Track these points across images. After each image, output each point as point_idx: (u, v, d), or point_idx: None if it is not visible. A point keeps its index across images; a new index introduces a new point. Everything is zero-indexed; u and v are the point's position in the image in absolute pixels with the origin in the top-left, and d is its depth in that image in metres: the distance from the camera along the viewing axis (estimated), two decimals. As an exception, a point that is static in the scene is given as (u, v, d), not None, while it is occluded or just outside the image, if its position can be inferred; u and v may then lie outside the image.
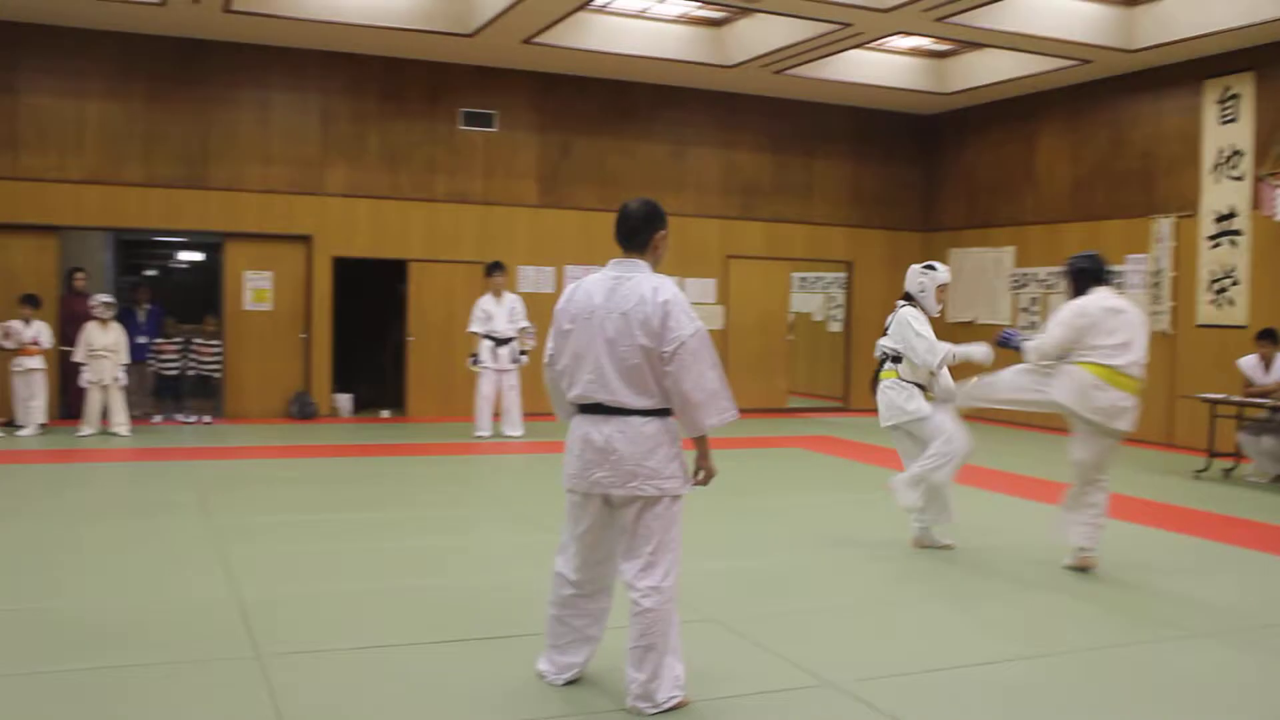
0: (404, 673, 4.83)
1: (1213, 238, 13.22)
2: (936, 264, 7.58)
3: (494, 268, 13.03)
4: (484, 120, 15.02)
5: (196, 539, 7.31)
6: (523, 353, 12.90)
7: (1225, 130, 13.07)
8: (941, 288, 7.48)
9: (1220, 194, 13.14)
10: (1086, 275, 7.04)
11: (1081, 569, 6.92)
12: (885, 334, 7.57)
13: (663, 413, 4.38)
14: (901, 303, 7.52)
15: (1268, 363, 11.03)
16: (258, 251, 14.19)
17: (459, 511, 8.76)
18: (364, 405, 14.96)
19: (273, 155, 14.09)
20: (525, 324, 12.96)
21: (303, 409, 14.09)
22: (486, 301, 12.91)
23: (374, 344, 15.82)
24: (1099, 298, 6.92)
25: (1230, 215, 13.02)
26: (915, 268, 7.59)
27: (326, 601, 5.92)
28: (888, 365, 7.54)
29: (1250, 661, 5.34)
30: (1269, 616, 6.13)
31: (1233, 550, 7.84)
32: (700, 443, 4.45)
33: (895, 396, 7.41)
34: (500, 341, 12.83)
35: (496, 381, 12.87)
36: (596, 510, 4.45)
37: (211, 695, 4.52)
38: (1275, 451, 10.96)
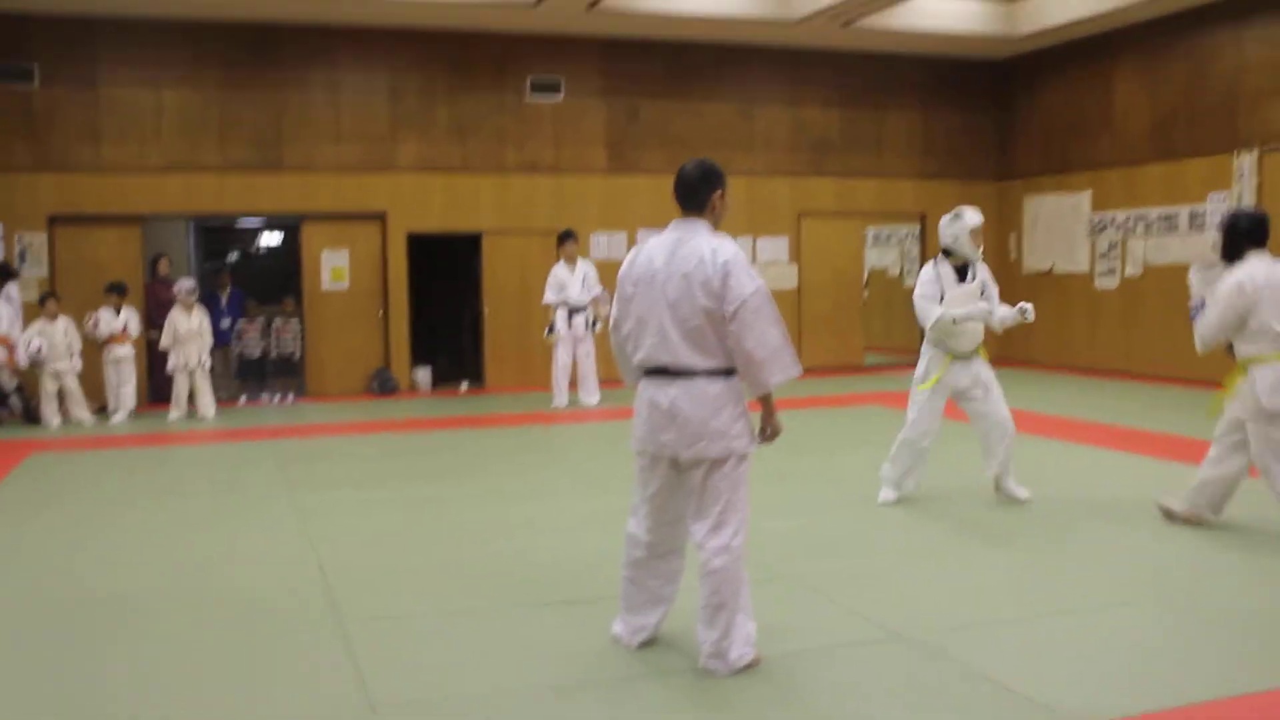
0: (481, 636, 4.92)
1: (1299, 172, 12.86)
2: (964, 209, 7.34)
3: (565, 236, 13.09)
4: (551, 88, 15.06)
5: (281, 514, 7.49)
6: (597, 320, 12.97)
7: (1309, 60, 12.68)
8: (974, 232, 7.23)
9: (1305, 126, 12.76)
10: (1240, 237, 6.30)
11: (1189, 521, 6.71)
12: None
13: (727, 373, 4.40)
14: (937, 258, 7.40)
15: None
16: (333, 231, 14.41)
17: (536, 480, 8.85)
18: (443, 379, 15.14)
19: (344, 134, 14.28)
20: (599, 291, 13.01)
21: (383, 385, 14.30)
22: (560, 270, 12.98)
23: (451, 318, 15.99)
24: (1259, 267, 6.18)
25: (1316, 148, 12.65)
26: (944, 219, 7.38)
27: (406, 570, 6.05)
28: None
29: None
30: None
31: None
32: (765, 401, 4.46)
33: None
34: (575, 310, 12.91)
35: (572, 350, 12.96)
36: (665, 472, 4.49)
37: (296, 660, 4.67)
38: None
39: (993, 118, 17.32)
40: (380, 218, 14.49)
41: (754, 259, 15.38)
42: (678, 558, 4.68)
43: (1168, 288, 14.41)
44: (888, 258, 19.45)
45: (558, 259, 13.19)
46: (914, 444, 7.34)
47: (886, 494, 7.46)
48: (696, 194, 4.50)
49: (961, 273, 7.31)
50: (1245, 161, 13.36)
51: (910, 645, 4.69)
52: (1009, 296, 17.19)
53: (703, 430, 4.35)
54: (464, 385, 14.97)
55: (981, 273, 7.39)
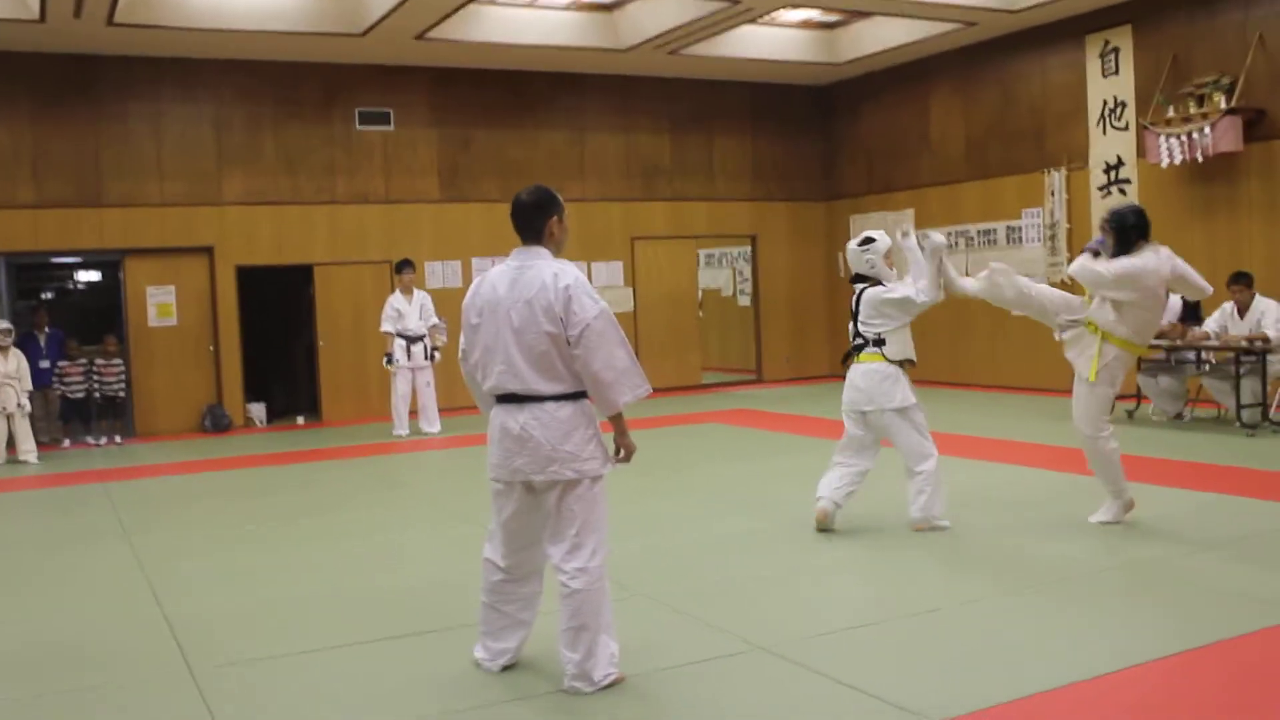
0: (340, 673, 4.84)
1: (1103, 187, 13.58)
2: (872, 234, 7.19)
3: (403, 265, 12.98)
4: (381, 119, 14.92)
5: (119, 561, 7.21)
6: (435, 349, 12.89)
7: (1108, 83, 13.42)
8: (887, 255, 7.08)
9: (1108, 145, 13.50)
10: (1130, 230, 6.70)
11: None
12: (855, 320, 7.24)
13: (576, 396, 4.44)
14: (860, 286, 7.18)
15: (1162, 306, 11.34)
16: (159, 266, 13.97)
17: (384, 512, 8.73)
18: (279, 413, 14.81)
19: (167, 168, 13.87)
20: (436, 320, 12.94)
21: (216, 422, 13.91)
22: (397, 300, 12.86)
23: (285, 351, 15.66)
24: (1152, 259, 6.62)
25: (1118, 165, 13.38)
26: (852, 248, 7.16)
27: (256, 611, 5.90)
28: (869, 349, 7.15)
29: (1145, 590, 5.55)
30: (1163, 549, 6.36)
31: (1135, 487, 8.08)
32: (617, 421, 4.50)
33: (877, 383, 7.03)
34: (413, 339, 12.80)
35: (411, 379, 12.85)
36: (519, 497, 4.50)
37: (147, 714, 4.50)
38: (1173, 391, 11.33)
39: (819, 140, 17.83)
40: (208, 251, 14.11)
41: (590, 283, 15.44)
42: (535, 581, 4.69)
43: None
44: (720, 278, 19.81)
45: (394, 288, 13.06)
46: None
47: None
48: (533, 221, 4.54)
49: None
50: (1055, 179, 14.06)
51: (772, 657, 4.78)
52: (840, 313, 17.69)
53: (555, 454, 4.38)
54: (300, 419, 14.66)
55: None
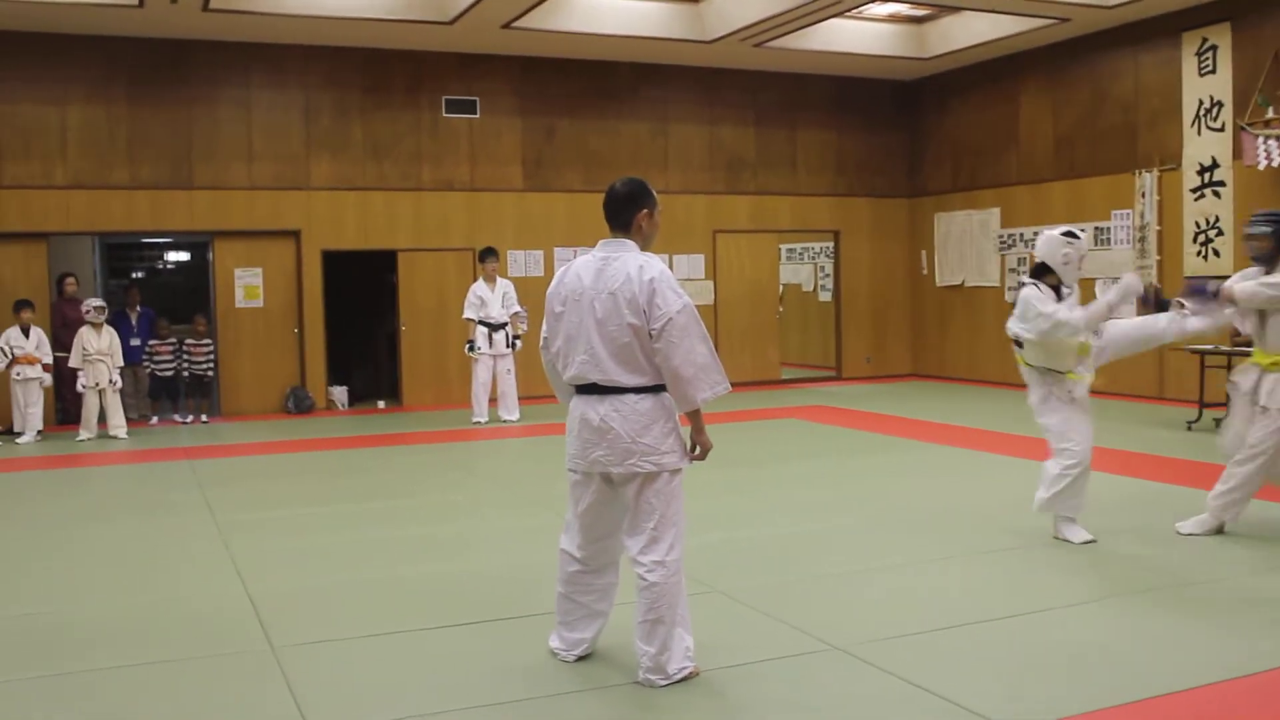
0: (416, 657, 4.90)
1: (1196, 190, 13.29)
2: (1076, 230, 6.75)
3: (487, 254, 13.08)
4: (467, 107, 15.03)
5: (202, 536, 7.37)
6: (516, 337, 12.98)
7: (1205, 81, 13.12)
8: (1083, 259, 6.67)
9: (1202, 145, 13.20)
10: None
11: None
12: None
13: (657, 389, 4.45)
14: (1027, 280, 6.78)
15: (1254, 312, 11.08)
16: (247, 249, 14.22)
17: (462, 497, 8.83)
18: (360, 397, 15.01)
19: (256, 152, 14.11)
20: (518, 309, 13.04)
21: (299, 403, 14.14)
22: (480, 287, 12.97)
23: (367, 335, 15.86)
24: None
25: (1213, 166, 13.08)
26: (1055, 235, 6.68)
27: (336, 592, 6.00)
28: (1017, 350, 6.92)
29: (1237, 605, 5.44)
30: (1250, 564, 6.23)
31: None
32: (694, 417, 4.49)
33: (1030, 383, 6.89)
34: (495, 327, 12.90)
35: (492, 367, 12.95)
36: (597, 488, 4.53)
37: (229, 689, 4.60)
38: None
39: (904, 136, 17.65)
40: (295, 235, 14.33)
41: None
42: (612, 573, 4.72)
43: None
44: (802, 274, 19.70)
45: (478, 276, 13.17)
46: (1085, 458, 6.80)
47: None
48: (623, 213, 4.55)
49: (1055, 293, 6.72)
50: (1146, 180, 13.78)
51: (846, 657, 4.76)
52: (922, 311, 17.52)
53: (634, 446, 4.39)
54: (381, 403, 14.85)
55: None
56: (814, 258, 19.25)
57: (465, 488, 9.32)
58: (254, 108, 14.10)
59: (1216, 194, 13.05)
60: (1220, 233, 13.00)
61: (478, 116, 15.09)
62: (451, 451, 11.23)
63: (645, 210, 4.56)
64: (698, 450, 4.54)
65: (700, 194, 16.27)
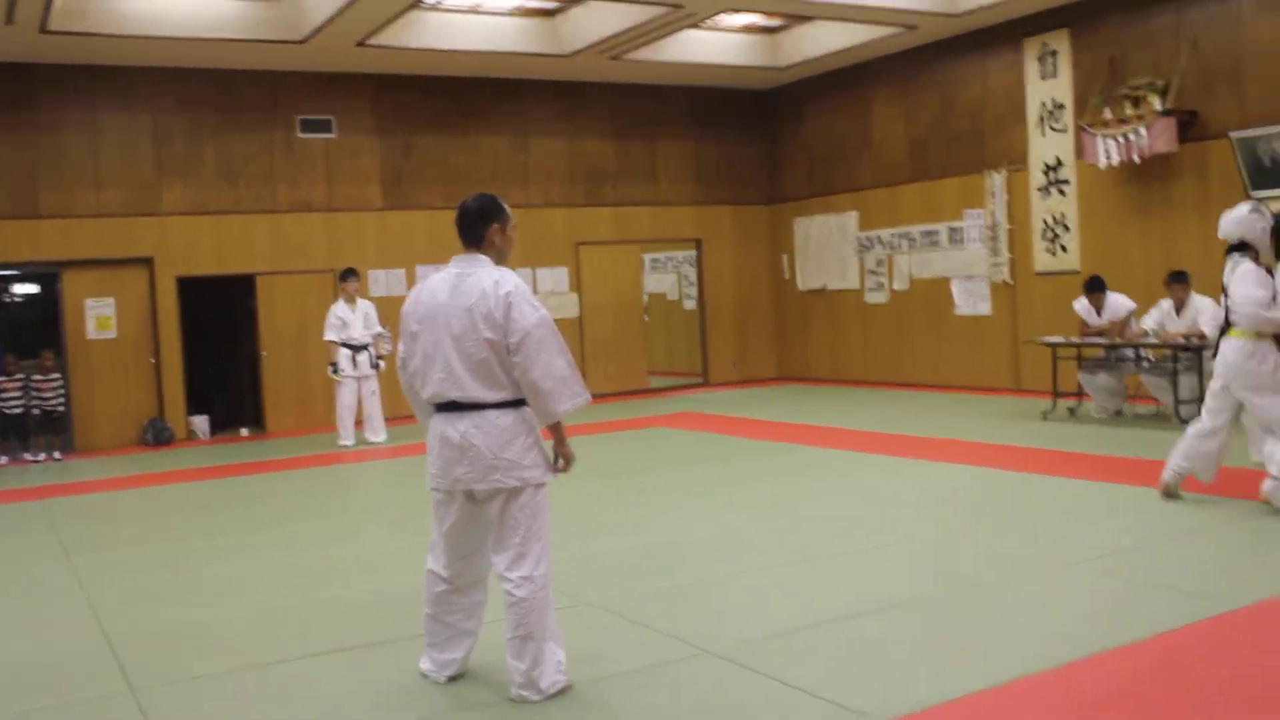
0: (286, 689, 4.78)
1: (1042, 188, 13.75)
2: (1259, 204, 6.93)
3: (347, 274, 12.88)
4: (322, 126, 14.80)
5: (57, 580, 7.08)
6: (380, 358, 12.81)
7: (1046, 85, 13.59)
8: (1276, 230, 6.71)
9: (1046, 146, 13.66)
10: None
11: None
12: (1225, 293, 7.02)
13: (517, 404, 4.42)
14: (1237, 255, 6.90)
15: (1098, 306, 11.52)
16: (97, 278, 13.76)
17: (328, 523, 8.66)
18: (222, 425, 14.65)
19: (105, 178, 13.67)
20: (380, 329, 12.87)
21: (158, 435, 13.73)
22: (340, 308, 12.76)
23: (228, 362, 15.49)
24: None
25: (1057, 166, 13.55)
26: (1245, 210, 6.86)
27: (199, 628, 5.81)
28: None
29: (1101, 585, 5.62)
30: (1116, 544, 6.44)
31: (1081, 484, 8.19)
32: (556, 429, 4.49)
33: (1242, 360, 6.87)
34: (357, 348, 12.71)
35: (357, 389, 12.75)
36: (461, 506, 4.48)
37: (86, 733, 4.43)
38: (1113, 388, 11.49)
39: (762, 144, 17.91)
40: (148, 262, 13.93)
41: (535, 289, 15.44)
42: (479, 591, 4.67)
43: (933, 299, 15.21)
44: (666, 283, 19.84)
45: (338, 297, 12.96)
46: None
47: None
48: (475, 228, 4.53)
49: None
50: (996, 180, 14.21)
51: (720, 661, 4.79)
52: (785, 316, 17.80)
53: (496, 462, 4.36)
54: (244, 430, 14.51)
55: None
56: (677, 266, 19.41)
57: (331, 514, 9.15)
58: (101, 132, 13.66)
59: (1062, 192, 13.51)
60: (1067, 229, 13.46)
61: (334, 136, 14.86)
62: (318, 477, 11.01)
63: (497, 225, 4.53)
64: (560, 463, 4.52)
65: (561, 207, 16.27)
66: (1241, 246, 6.90)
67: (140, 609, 6.25)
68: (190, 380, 14.28)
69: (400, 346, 4.61)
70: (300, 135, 14.68)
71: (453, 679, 4.65)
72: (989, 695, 4.23)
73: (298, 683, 4.85)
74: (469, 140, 15.69)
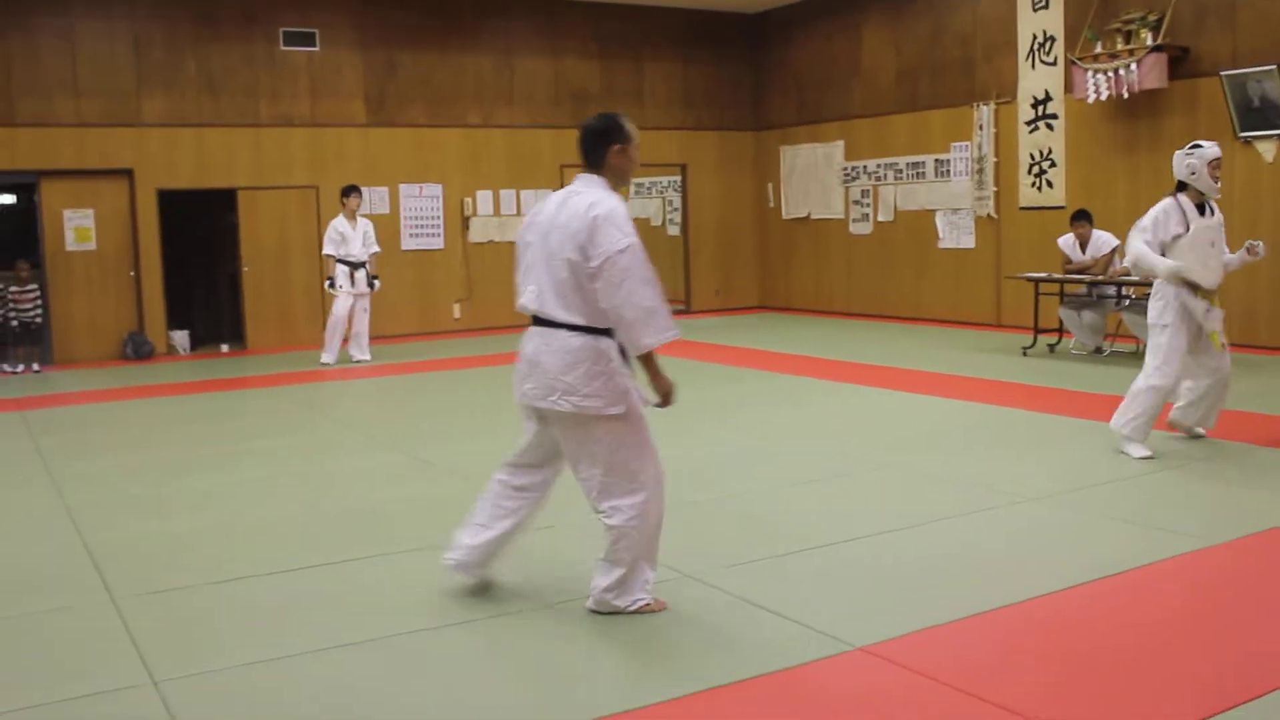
0: (266, 600, 4.81)
1: (1030, 122, 13.69)
2: (1202, 141, 7.11)
3: (350, 190, 12.71)
4: (306, 40, 14.58)
5: (34, 487, 7.09)
6: (374, 277, 12.75)
7: (1038, 17, 13.47)
8: (1213, 164, 6.93)
9: (1036, 79, 13.58)
10: None
11: None
12: None
13: (593, 330, 4.31)
14: (1175, 194, 7.09)
15: (1083, 242, 11.54)
16: (76, 189, 13.60)
17: (309, 439, 8.66)
18: (202, 341, 14.60)
19: (84, 87, 13.46)
20: (377, 249, 12.80)
21: (137, 349, 13.68)
22: (341, 224, 12.60)
23: (208, 277, 15.39)
24: None
25: (1046, 100, 13.48)
26: (1179, 152, 7.11)
27: (178, 539, 5.84)
28: None
29: (1067, 519, 5.70)
30: (1084, 479, 6.52)
31: (1056, 420, 8.26)
32: (646, 361, 4.36)
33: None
34: (355, 265, 12.62)
35: (351, 304, 12.66)
36: (536, 421, 4.54)
37: (70, 642, 4.45)
38: (1094, 325, 11.55)
39: (749, 69, 17.76)
40: (128, 174, 13.77)
41: (518, 211, 15.35)
42: (531, 493, 4.70)
43: (918, 231, 15.20)
44: (650, 208, 19.74)
45: (339, 212, 12.77)
46: (1163, 390, 6.97)
47: (1139, 450, 7.00)
48: (592, 150, 4.45)
49: (1199, 207, 7.04)
50: (984, 113, 14.14)
51: (695, 583, 4.85)
52: (769, 244, 17.76)
53: (555, 383, 4.31)
54: (225, 346, 14.47)
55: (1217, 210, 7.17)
56: (662, 191, 19.30)
57: (312, 430, 9.15)
58: (78, 38, 13.42)
59: (1050, 126, 13.46)
60: (1053, 164, 13.43)
61: (317, 49, 14.65)
62: (299, 393, 11.00)
63: (618, 146, 4.43)
64: (657, 395, 4.43)
65: (546, 128, 16.11)
66: (1182, 187, 7.09)
67: (120, 520, 6.25)
68: (171, 295, 14.20)
69: (516, 256, 4.61)
70: (283, 48, 14.47)
71: (459, 568, 4.71)
72: (960, 625, 4.30)
73: (278, 594, 4.88)
74: (452, 58, 15.47)
